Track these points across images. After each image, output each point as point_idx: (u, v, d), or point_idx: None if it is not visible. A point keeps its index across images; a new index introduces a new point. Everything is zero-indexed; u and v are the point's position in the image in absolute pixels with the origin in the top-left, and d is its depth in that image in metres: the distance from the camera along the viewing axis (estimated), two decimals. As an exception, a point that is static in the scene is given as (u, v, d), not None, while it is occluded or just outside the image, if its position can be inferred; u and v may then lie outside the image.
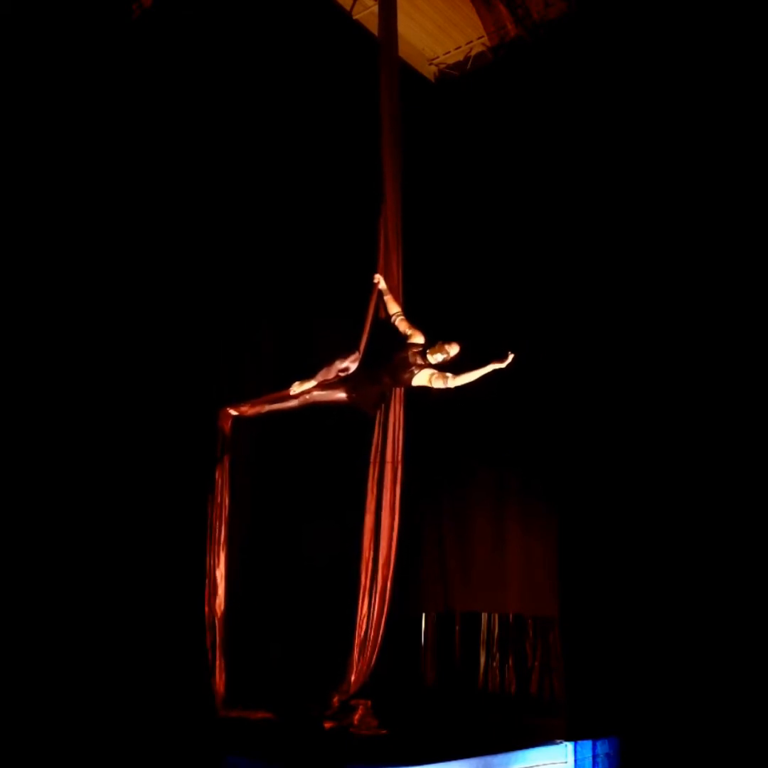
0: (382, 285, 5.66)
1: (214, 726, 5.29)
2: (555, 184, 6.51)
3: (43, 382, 5.60)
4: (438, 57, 7.86)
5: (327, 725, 5.37)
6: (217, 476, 5.66)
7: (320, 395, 5.56)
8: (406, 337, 5.55)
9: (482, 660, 6.93)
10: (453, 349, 5.44)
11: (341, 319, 6.04)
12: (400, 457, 5.79)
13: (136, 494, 5.77)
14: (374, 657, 5.68)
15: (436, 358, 5.43)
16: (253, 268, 6.64)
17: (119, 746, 4.84)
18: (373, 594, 5.70)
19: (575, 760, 5.31)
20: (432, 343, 5.47)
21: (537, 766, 5.19)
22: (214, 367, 6.36)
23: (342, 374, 5.55)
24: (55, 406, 5.62)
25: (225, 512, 5.63)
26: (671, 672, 5.43)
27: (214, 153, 6.40)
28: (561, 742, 5.34)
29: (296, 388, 5.51)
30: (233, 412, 5.69)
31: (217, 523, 5.62)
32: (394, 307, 5.63)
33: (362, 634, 5.65)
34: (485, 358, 6.96)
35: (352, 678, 5.63)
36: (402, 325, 5.58)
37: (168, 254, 6.17)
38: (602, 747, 5.42)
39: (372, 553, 5.75)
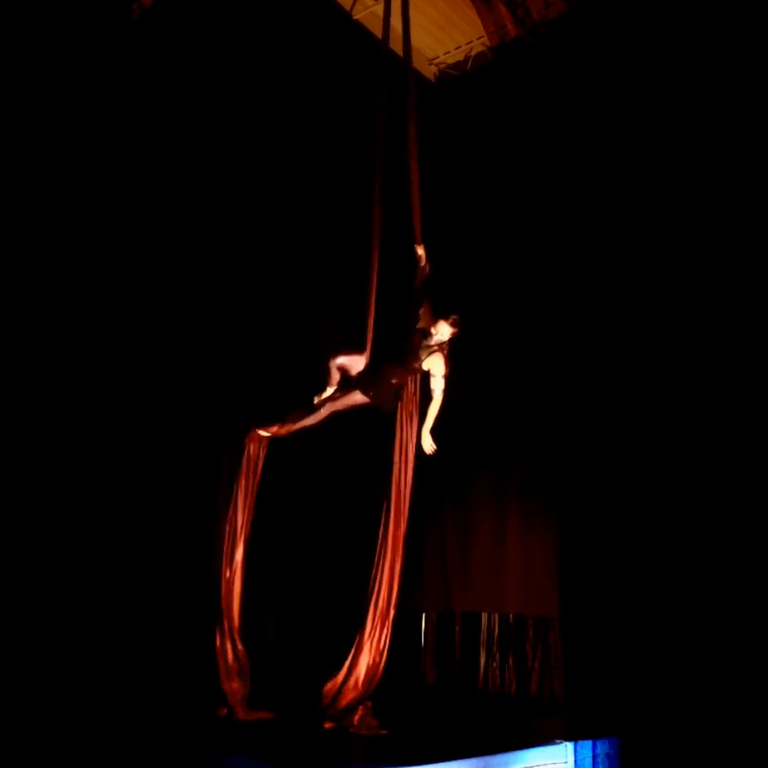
0: (421, 252, 5.68)
1: (214, 726, 5.29)
2: (555, 183, 6.51)
3: (55, 395, 5.63)
4: (438, 57, 7.86)
5: (327, 725, 5.37)
6: (239, 494, 5.68)
7: (341, 402, 5.60)
8: (417, 322, 5.59)
9: (482, 660, 6.93)
10: (441, 327, 5.46)
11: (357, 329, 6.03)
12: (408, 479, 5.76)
13: (144, 497, 5.81)
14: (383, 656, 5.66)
15: (436, 337, 5.46)
16: (268, 280, 6.66)
17: (120, 746, 4.84)
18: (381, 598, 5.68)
19: (575, 760, 5.31)
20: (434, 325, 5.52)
21: (537, 766, 5.18)
22: (231, 376, 6.40)
23: (353, 374, 5.59)
24: (68, 415, 5.66)
25: (245, 530, 5.67)
26: (671, 672, 5.43)
27: (215, 153, 6.40)
28: (561, 742, 5.34)
29: (317, 400, 5.61)
30: (264, 434, 5.70)
31: (229, 541, 5.65)
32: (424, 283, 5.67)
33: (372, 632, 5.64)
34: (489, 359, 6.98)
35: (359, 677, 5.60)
36: (422, 308, 5.59)
37: (174, 259, 6.18)
38: (602, 747, 5.42)
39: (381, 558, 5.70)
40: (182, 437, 6.09)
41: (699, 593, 5.43)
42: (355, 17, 7.30)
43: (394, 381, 5.59)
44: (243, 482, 5.71)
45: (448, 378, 5.48)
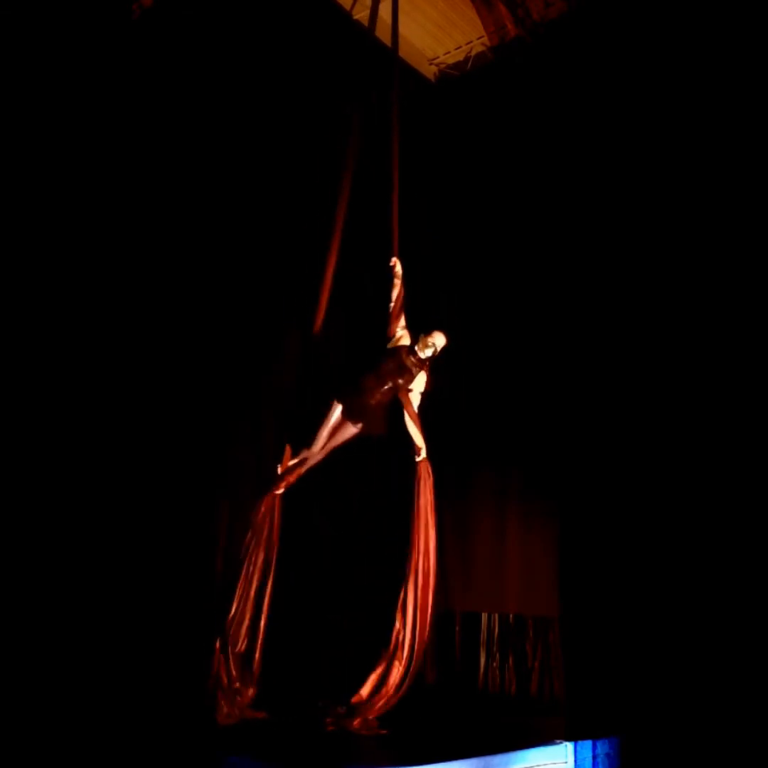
0: (398, 269, 5.65)
1: (214, 727, 5.29)
2: (555, 183, 6.51)
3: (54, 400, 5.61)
4: (438, 57, 7.86)
5: (328, 727, 5.37)
6: (259, 548, 5.47)
7: (336, 439, 5.55)
8: (393, 340, 5.59)
9: (482, 660, 6.93)
10: (437, 338, 5.45)
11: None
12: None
13: (144, 499, 5.82)
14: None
15: (425, 352, 5.45)
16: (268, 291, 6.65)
17: (120, 746, 4.84)
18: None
19: (575, 760, 5.30)
20: (416, 341, 5.50)
21: (537, 766, 5.18)
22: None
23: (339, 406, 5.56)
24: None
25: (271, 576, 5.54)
26: (671, 671, 5.42)
27: (215, 153, 6.40)
28: (561, 742, 5.33)
29: (320, 443, 5.54)
30: (279, 491, 5.55)
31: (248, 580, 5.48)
32: (399, 301, 5.65)
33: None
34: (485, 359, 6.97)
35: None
36: (398, 323, 5.60)
37: (176, 263, 6.18)
38: (602, 747, 5.42)
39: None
40: (183, 438, 6.09)
41: (699, 593, 5.43)
42: (355, 17, 7.30)
43: (373, 402, 5.50)
44: (265, 535, 5.51)
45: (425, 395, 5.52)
